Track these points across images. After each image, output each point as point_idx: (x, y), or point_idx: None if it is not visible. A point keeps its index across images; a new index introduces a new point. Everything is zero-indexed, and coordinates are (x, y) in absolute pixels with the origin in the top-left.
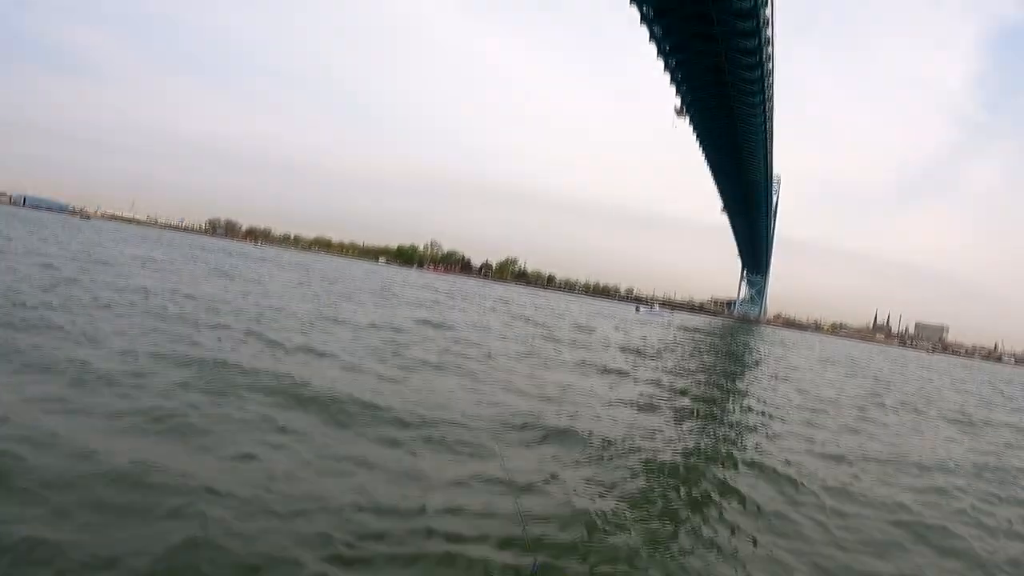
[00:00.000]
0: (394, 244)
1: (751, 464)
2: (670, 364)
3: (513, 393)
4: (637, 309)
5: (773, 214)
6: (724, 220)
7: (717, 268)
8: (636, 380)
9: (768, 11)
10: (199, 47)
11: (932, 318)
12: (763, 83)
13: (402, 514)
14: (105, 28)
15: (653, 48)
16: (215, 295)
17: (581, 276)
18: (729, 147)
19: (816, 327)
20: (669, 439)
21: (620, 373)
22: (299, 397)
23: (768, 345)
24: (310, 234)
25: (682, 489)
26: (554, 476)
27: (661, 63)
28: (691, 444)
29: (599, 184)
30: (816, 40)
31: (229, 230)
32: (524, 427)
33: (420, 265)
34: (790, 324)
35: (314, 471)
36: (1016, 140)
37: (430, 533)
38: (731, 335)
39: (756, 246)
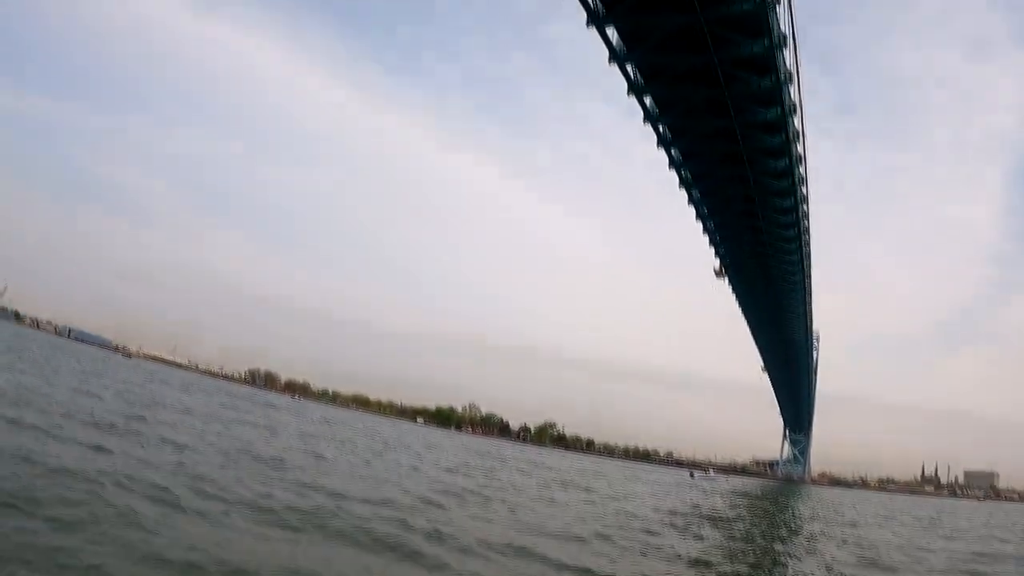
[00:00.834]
0: (431, 403)
1: None
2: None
3: None
4: (691, 475)
5: (814, 371)
6: (764, 378)
7: (757, 427)
8: None
9: (802, 169)
10: (248, 199)
11: (981, 464)
12: (800, 241)
13: None
14: (158, 170)
15: (692, 210)
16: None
17: (620, 439)
18: (768, 307)
19: (863, 483)
20: None
21: None
22: None
23: (823, 507)
24: (348, 390)
25: None
26: None
27: (700, 225)
28: None
29: (637, 344)
30: (844, 198)
31: (268, 381)
32: None
33: (458, 427)
34: (836, 482)
35: None
36: None
37: None
38: (782, 496)
39: (798, 404)
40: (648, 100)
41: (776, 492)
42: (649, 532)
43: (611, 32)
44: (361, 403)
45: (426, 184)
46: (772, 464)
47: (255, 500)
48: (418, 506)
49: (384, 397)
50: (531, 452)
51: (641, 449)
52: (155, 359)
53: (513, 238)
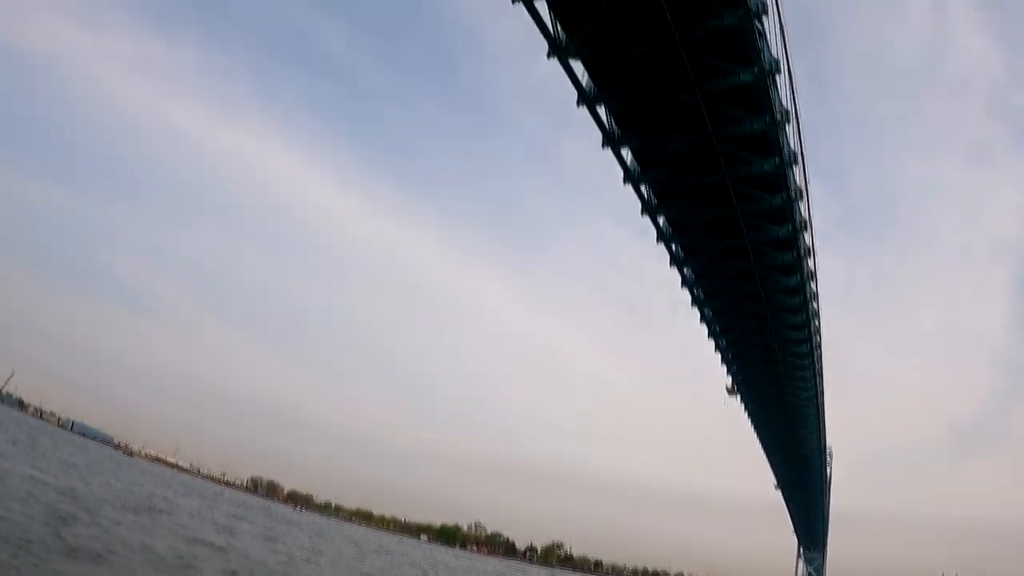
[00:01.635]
0: (435, 519)
1: None
2: None
3: None
4: None
5: (828, 486)
6: (777, 496)
7: (771, 546)
8: None
9: (813, 285)
10: (259, 303)
11: (1005, 573)
12: (812, 356)
13: None
14: (171, 272)
15: (704, 328)
16: None
17: (629, 559)
18: (781, 424)
19: None
20: None
21: None
22: None
23: None
24: (351, 503)
25: None
26: None
27: (712, 342)
28: None
29: (647, 461)
30: (851, 306)
31: (270, 491)
32: None
33: (463, 545)
34: None
35: None
36: None
37: None
38: None
39: (812, 522)
40: (661, 220)
41: None
42: None
43: (625, 152)
44: (364, 517)
45: (435, 295)
46: None
47: None
48: None
49: (387, 511)
50: (538, 574)
51: (651, 571)
52: (157, 459)
53: (524, 354)
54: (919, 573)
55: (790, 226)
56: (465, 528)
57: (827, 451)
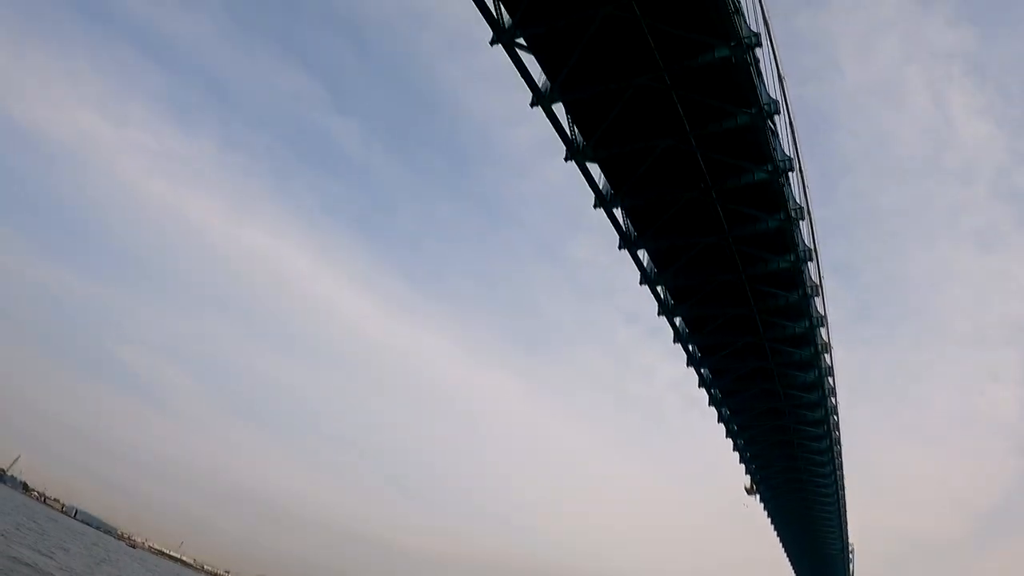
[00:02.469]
0: None
1: None
2: None
3: None
4: None
5: None
6: None
7: None
8: None
9: (831, 380)
10: (271, 399)
11: None
12: (832, 452)
13: None
14: (182, 363)
15: (722, 427)
16: None
17: None
18: (801, 522)
19: None
20: None
21: None
22: None
23: None
24: None
25: None
26: None
27: (730, 441)
28: None
29: (661, 562)
30: (867, 398)
31: None
32: None
33: None
34: None
35: None
36: None
37: None
38: None
39: None
40: (678, 320)
41: None
42: None
43: (640, 253)
44: None
45: (447, 394)
46: None
47: None
48: None
49: None
50: None
51: None
52: (161, 553)
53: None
54: None
55: (807, 322)
56: None
57: (849, 547)
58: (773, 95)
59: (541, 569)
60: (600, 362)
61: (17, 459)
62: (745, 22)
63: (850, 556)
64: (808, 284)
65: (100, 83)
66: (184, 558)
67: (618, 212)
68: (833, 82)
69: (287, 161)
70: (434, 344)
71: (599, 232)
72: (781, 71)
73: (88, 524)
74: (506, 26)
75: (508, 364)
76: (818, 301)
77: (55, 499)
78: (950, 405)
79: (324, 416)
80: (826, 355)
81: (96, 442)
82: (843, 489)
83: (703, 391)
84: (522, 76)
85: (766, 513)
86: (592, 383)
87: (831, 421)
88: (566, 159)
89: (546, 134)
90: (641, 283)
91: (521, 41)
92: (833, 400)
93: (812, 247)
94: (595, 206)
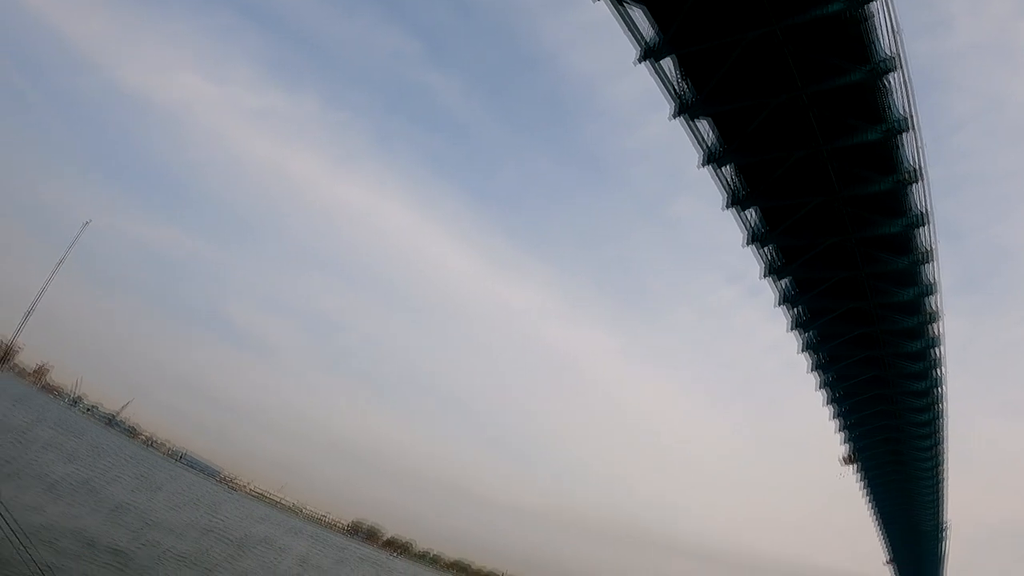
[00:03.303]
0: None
1: None
2: None
3: None
4: None
5: (943, 564)
6: (887, 572)
7: None
8: None
9: (939, 350)
10: (373, 352)
11: None
12: (934, 426)
13: None
14: (285, 317)
15: (820, 395)
16: None
17: None
18: (899, 496)
19: None
20: None
21: None
22: None
23: None
24: (451, 553)
25: None
26: None
27: (828, 410)
28: None
29: (748, 530)
30: (971, 372)
31: (370, 535)
32: None
33: None
34: None
35: None
36: None
37: None
38: None
39: None
40: (783, 283)
41: None
42: None
43: (748, 213)
44: (462, 569)
45: (545, 352)
46: None
47: None
48: None
49: (487, 565)
50: None
51: None
52: (261, 496)
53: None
54: None
55: (917, 289)
56: None
57: (945, 525)
58: (888, 52)
59: (628, 528)
60: (699, 323)
61: (127, 403)
62: None
63: (945, 535)
64: (920, 250)
65: (202, 45)
66: (283, 501)
67: (725, 170)
68: (946, 39)
69: (388, 119)
70: (540, 303)
71: (700, 192)
72: (896, 25)
73: (193, 467)
74: None
75: (605, 321)
76: (930, 268)
77: (162, 443)
78: None
79: (429, 374)
80: (935, 324)
81: (202, 391)
82: (943, 465)
83: (801, 357)
84: (628, 30)
85: (861, 486)
86: (691, 344)
87: (935, 393)
88: (673, 116)
89: (647, 90)
90: (747, 244)
91: None
92: (940, 371)
93: (926, 211)
94: (702, 164)
